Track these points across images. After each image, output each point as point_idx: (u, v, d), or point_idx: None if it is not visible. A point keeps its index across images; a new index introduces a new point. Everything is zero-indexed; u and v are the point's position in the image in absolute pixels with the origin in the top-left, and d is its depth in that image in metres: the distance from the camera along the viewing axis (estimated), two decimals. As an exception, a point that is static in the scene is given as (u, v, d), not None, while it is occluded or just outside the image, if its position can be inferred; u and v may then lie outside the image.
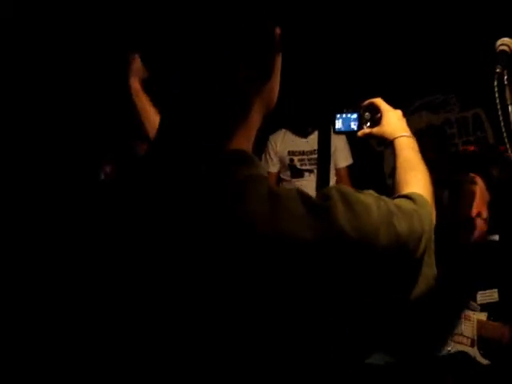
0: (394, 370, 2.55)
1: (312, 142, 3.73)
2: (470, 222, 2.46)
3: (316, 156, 3.67)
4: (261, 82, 0.90)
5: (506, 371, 1.75)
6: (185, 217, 0.82)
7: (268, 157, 3.84)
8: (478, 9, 3.48)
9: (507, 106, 1.82)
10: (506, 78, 1.81)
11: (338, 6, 3.54)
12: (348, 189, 0.87)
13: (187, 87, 0.87)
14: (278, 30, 0.91)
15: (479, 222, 2.48)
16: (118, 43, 2.82)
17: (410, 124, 1.37)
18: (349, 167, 3.80)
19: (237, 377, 0.82)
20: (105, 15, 3.42)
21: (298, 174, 3.80)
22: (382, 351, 2.60)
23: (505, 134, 1.79)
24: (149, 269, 0.84)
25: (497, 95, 1.84)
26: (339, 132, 1.49)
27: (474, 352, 2.57)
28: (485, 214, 2.46)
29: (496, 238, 2.56)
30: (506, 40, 1.84)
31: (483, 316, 2.55)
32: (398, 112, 1.37)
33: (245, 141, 0.90)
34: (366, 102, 1.43)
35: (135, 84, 2.00)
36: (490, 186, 2.48)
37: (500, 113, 1.78)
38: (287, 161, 3.80)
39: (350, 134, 1.56)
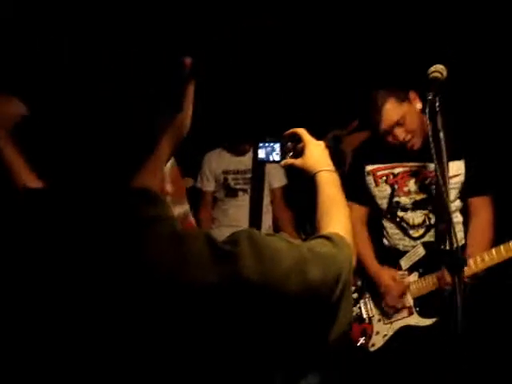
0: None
1: (247, 160, 3.73)
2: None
3: (250, 175, 3.66)
4: (170, 115, 0.86)
5: (448, 322, 1.76)
6: (82, 261, 0.76)
7: (203, 175, 3.80)
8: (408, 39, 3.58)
9: (438, 131, 1.86)
10: (437, 104, 1.85)
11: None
12: (258, 234, 0.85)
13: (86, 122, 0.80)
14: (188, 60, 0.86)
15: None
16: None
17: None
18: (283, 188, 3.81)
19: None
20: None
21: (232, 193, 3.77)
22: (315, 371, 2.58)
23: (436, 162, 1.82)
24: (38, 319, 0.76)
25: (428, 122, 1.87)
26: (262, 161, 1.47)
27: (414, 319, 2.58)
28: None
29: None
30: (438, 67, 1.88)
31: (415, 277, 2.58)
32: (321, 144, 1.37)
33: (151, 177, 0.85)
34: (289, 132, 1.43)
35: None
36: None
37: (431, 140, 1.82)
38: (221, 180, 3.77)
39: (272, 164, 1.53)
